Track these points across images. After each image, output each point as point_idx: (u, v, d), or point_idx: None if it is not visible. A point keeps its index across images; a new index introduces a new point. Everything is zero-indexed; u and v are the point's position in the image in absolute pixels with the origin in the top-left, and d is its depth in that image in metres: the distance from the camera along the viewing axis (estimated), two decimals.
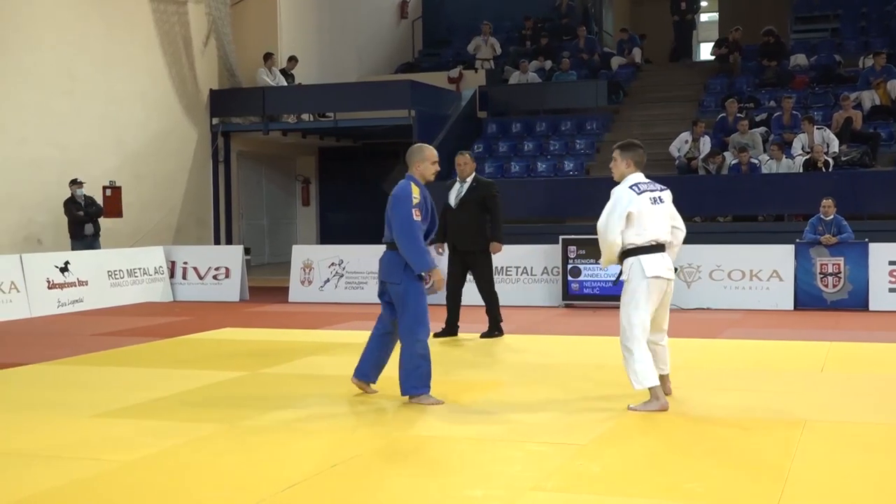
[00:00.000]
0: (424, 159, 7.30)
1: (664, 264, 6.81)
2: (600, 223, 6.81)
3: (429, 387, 7.07)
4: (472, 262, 10.51)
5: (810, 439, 6.01)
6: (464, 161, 10.40)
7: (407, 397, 7.10)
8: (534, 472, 5.36)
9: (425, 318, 7.13)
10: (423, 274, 7.10)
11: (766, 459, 5.57)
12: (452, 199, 10.45)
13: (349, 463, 5.58)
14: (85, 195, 15.84)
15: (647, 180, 6.93)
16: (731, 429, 6.32)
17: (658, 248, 6.79)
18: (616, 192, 6.84)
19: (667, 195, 6.94)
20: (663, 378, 6.96)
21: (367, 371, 7.46)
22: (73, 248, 15.46)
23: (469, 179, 10.43)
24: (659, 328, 6.96)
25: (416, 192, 7.10)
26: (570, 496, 4.94)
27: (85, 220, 15.76)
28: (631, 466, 5.45)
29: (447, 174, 12.31)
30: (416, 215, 7.04)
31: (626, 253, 6.76)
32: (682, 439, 6.07)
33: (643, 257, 6.73)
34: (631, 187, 6.79)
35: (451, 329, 10.51)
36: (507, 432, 6.15)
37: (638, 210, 6.72)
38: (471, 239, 10.43)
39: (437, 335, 10.04)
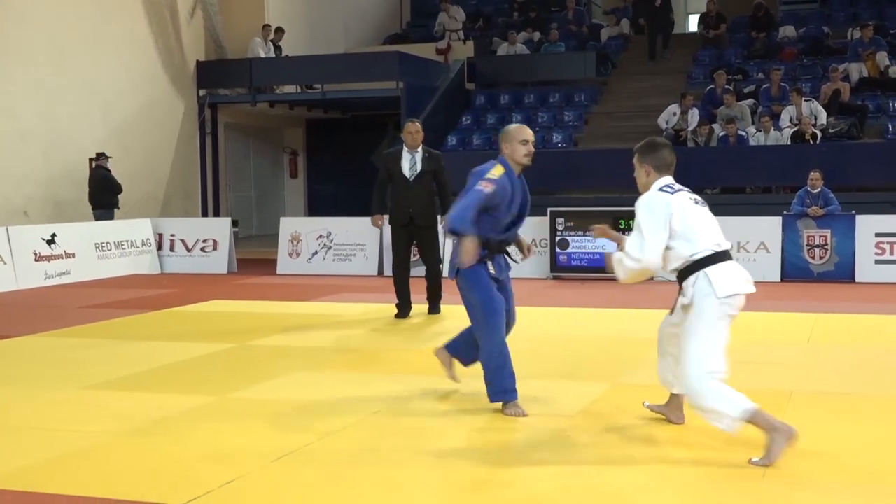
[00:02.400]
0: (511, 139, 6.07)
1: (740, 276, 5.19)
2: (632, 248, 5.16)
3: (510, 395, 6.00)
4: (425, 237, 10.02)
5: (796, 410, 6.04)
6: (416, 129, 9.81)
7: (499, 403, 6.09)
8: (522, 444, 5.39)
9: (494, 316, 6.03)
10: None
11: (753, 430, 5.60)
12: (406, 170, 9.81)
13: (339, 434, 5.60)
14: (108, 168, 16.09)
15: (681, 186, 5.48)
16: None
17: (724, 255, 5.20)
18: (641, 202, 5.29)
19: (706, 205, 5.48)
20: (677, 398, 5.61)
21: (458, 347, 6.46)
22: (96, 219, 15.69)
23: (420, 149, 9.88)
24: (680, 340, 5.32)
25: (497, 172, 5.96)
26: (559, 467, 4.96)
27: (118, 191, 16.02)
28: (619, 437, 5.48)
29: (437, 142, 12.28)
30: (486, 187, 5.89)
31: (688, 269, 5.17)
32: None
33: (710, 270, 5.12)
34: (662, 189, 5.34)
35: (408, 306, 10.10)
36: (496, 403, 6.15)
37: (681, 211, 5.21)
38: (428, 213, 9.92)
39: (398, 316, 10.00)
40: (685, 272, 5.18)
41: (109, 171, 16.15)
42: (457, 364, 6.49)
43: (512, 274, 6.30)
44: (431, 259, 10.08)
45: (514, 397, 5.92)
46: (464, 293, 6.04)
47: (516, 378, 5.96)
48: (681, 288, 5.23)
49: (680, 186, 5.39)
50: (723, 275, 5.10)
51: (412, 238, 10.06)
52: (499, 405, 5.97)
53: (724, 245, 5.23)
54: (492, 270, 6.00)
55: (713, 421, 5.07)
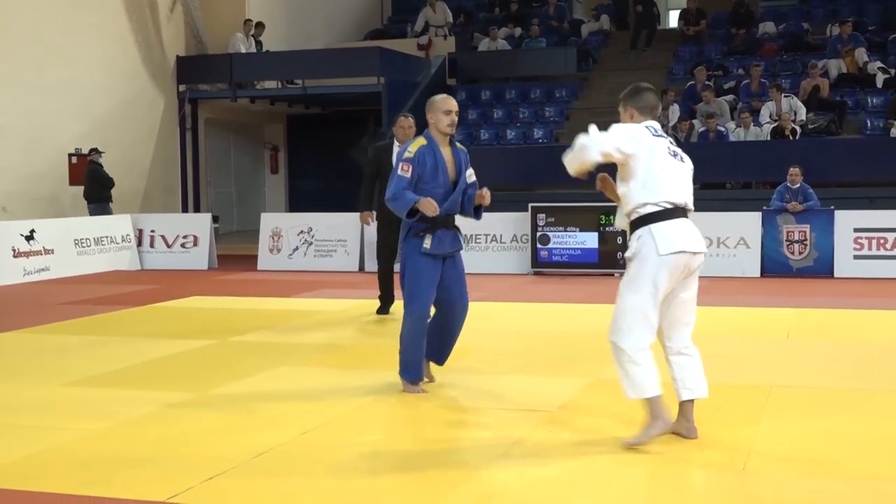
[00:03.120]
0: (436, 109, 6.24)
1: (687, 234, 5.11)
2: (583, 138, 5.08)
3: (410, 374, 6.34)
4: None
5: (776, 404, 6.08)
6: (409, 124, 9.33)
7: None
8: (503, 439, 5.40)
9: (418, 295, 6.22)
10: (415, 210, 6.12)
11: (733, 424, 5.64)
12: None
13: (320, 429, 5.59)
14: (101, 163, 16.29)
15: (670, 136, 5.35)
16: None
17: (678, 212, 5.10)
18: (622, 125, 5.24)
19: (687, 161, 5.35)
20: (685, 408, 5.29)
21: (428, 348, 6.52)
22: (91, 214, 15.80)
23: None
24: (676, 329, 5.28)
25: (412, 147, 6.19)
26: (540, 462, 4.98)
27: (110, 185, 16.18)
28: (599, 433, 5.49)
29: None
30: (403, 169, 6.13)
31: (636, 223, 5.11)
32: None
33: (656, 226, 5.04)
34: (647, 126, 5.21)
35: (390, 302, 9.92)
36: (476, 399, 6.18)
37: (651, 153, 5.08)
38: None
39: (379, 312, 9.89)
40: (634, 225, 5.12)
41: (101, 166, 16.24)
42: (433, 364, 6.61)
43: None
44: None
45: (412, 377, 6.28)
46: (401, 269, 6.29)
47: (500, 374, 6.00)
48: (629, 236, 5.21)
49: (663, 133, 5.27)
50: (668, 231, 5.02)
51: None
52: (484, 404, 5.98)
53: (682, 201, 5.12)
54: (426, 245, 6.14)
55: (621, 378, 5.14)
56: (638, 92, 5.36)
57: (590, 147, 5.02)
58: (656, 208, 5.04)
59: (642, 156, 5.06)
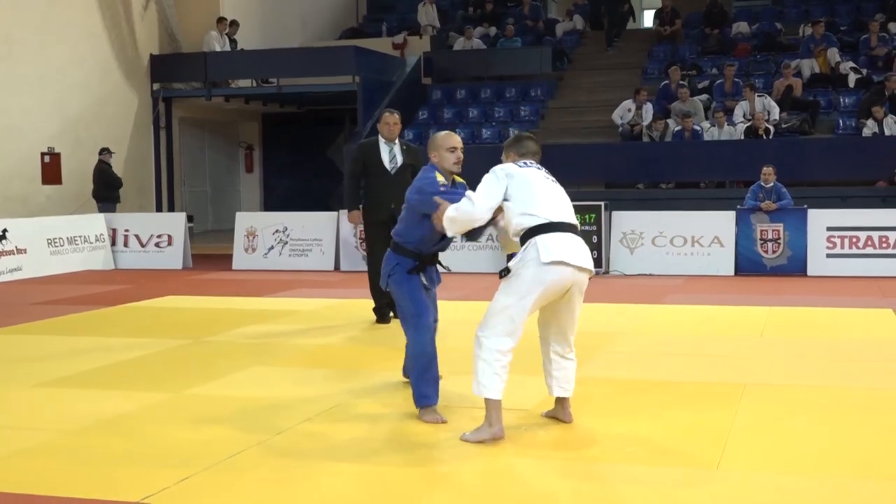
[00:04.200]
0: (438, 147, 5.94)
1: (572, 247, 5.16)
2: (465, 203, 5.29)
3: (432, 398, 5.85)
4: None
5: (750, 403, 6.11)
6: (394, 121, 9.08)
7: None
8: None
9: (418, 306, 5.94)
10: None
11: (707, 423, 5.67)
12: (386, 162, 9.09)
13: (295, 430, 5.58)
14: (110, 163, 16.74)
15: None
16: (672, 393, 6.41)
17: (563, 226, 5.19)
18: (489, 173, 5.35)
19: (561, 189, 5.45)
20: (562, 401, 5.57)
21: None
22: (99, 212, 16.03)
23: (398, 141, 9.19)
24: (563, 336, 5.44)
25: (441, 179, 5.84)
26: (517, 460, 4.98)
27: (118, 185, 16.73)
28: (575, 431, 5.51)
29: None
30: (441, 188, 5.78)
31: (523, 238, 5.21)
32: (625, 404, 6.15)
33: (541, 237, 5.12)
34: (517, 162, 5.45)
35: (387, 308, 9.34)
36: (453, 398, 6.17)
37: (524, 179, 5.26)
38: None
39: (379, 322, 9.36)
40: (522, 240, 5.21)
41: (110, 166, 16.60)
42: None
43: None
44: None
45: (431, 402, 5.78)
46: (394, 297, 6.00)
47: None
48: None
49: (536, 166, 5.44)
50: (551, 243, 5.11)
51: (390, 235, 9.31)
52: (458, 403, 5.97)
53: (567, 218, 5.25)
54: (423, 281, 5.95)
55: (475, 374, 5.22)
56: (519, 140, 5.63)
57: (475, 211, 5.24)
58: (540, 221, 5.17)
59: (515, 184, 5.25)
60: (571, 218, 5.29)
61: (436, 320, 6.21)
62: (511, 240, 5.37)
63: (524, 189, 5.23)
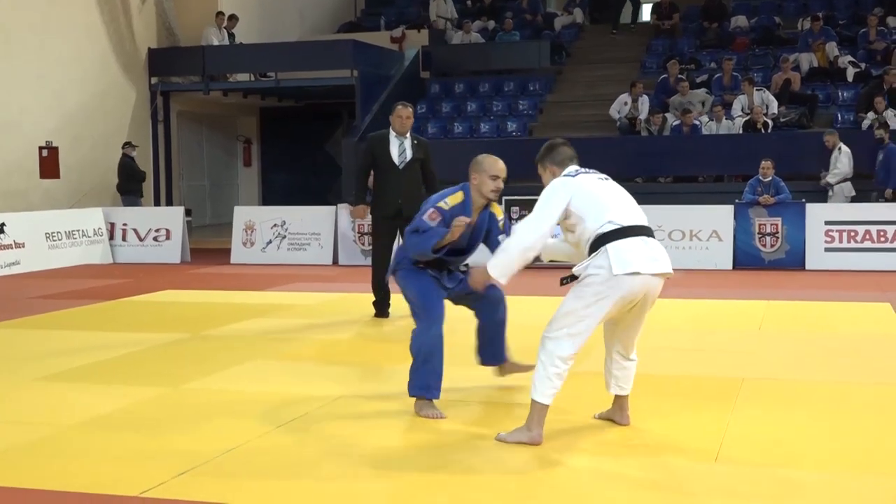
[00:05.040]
0: (482, 171, 5.75)
1: (646, 253, 4.89)
2: (521, 233, 5.03)
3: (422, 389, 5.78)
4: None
5: (748, 396, 6.12)
6: (407, 114, 8.89)
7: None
8: (472, 433, 5.40)
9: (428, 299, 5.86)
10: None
11: (705, 416, 5.67)
12: (395, 156, 8.91)
13: (293, 424, 5.58)
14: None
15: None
16: (669, 387, 6.41)
17: (637, 230, 4.92)
18: (544, 192, 5.09)
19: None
20: (619, 401, 5.39)
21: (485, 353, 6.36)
22: (124, 205, 16.40)
23: (409, 135, 9.00)
24: (629, 339, 5.26)
25: (450, 200, 5.76)
26: (509, 454, 4.99)
27: (142, 178, 17.15)
28: (570, 425, 5.51)
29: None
30: (431, 217, 5.71)
31: (593, 246, 4.91)
32: None
33: (612, 246, 4.84)
34: (564, 176, 5.13)
35: (387, 303, 9.33)
36: (444, 391, 6.17)
37: (580, 189, 4.97)
38: (417, 203, 8.62)
39: (378, 316, 9.28)
40: (592, 248, 4.91)
41: (133, 160, 16.83)
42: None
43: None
44: None
45: (431, 395, 5.70)
46: (401, 291, 5.95)
47: (469, 367, 5.95)
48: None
49: (585, 170, 5.15)
50: (626, 250, 4.83)
51: (394, 231, 8.95)
52: (452, 397, 5.97)
53: (638, 220, 4.95)
54: (441, 279, 5.88)
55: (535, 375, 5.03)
56: (552, 149, 5.30)
57: (532, 240, 4.97)
58: (612, 227, 4.88)
59: (577, 197, 4.96)
60: (641, 219, 5.00)
61: (498, 318, 6.10)
62: (552, 248, 5.23)
63: (587, 196, 4.95)
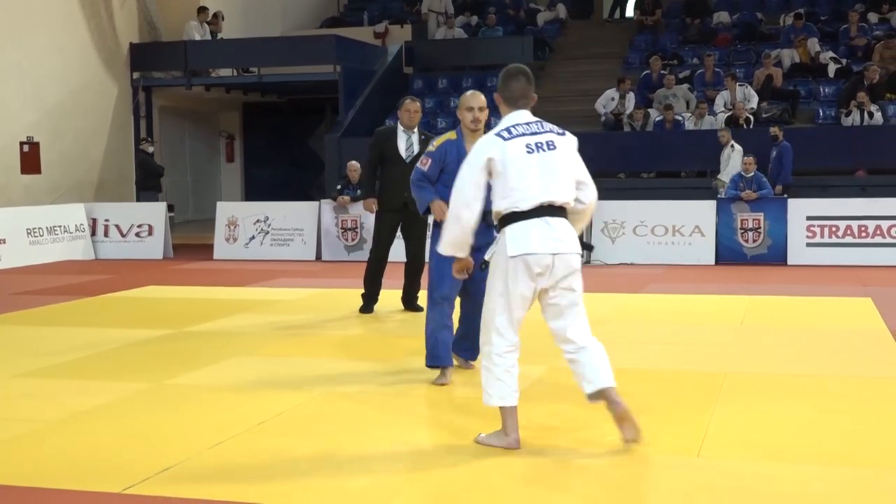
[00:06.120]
0: (461, 106, 6.31)
1: (542, 234, 4.78)
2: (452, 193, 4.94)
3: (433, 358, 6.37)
4: (415, 224, 8.94)
5: (730, 391, 6.15)
6: (415, 108, 8.82)
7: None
8: (461, 425, 5.41)
9: (439, 283, 6.25)
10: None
11: (688, 410, 5.70)
12: (402, 150, 8.89)
13: (277, 419, 5.57)
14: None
15: (533, 121, 4.97)
16: (653, 381, 6.43)
17: (537, 212, 4.80)
18: (471, 150, 5.00)
19: (564, 141, 4.94)
20: (606, 392, 4.93)
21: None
22: (139, 200, 16.66)
23: (417, 130, 8.96)
24: (563, 331, 4.95)
25: (437, 142, 6.41)
26: (496, 450, 4.99)
27: (160, 173, 17.02)
28: (556, 420, 5.52)
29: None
30: (423, 162, 6.37)
31: (498, 228, 4.93)
32: None
33: (509, 228, 4.81)
34: (497, 134, 4.89)
35: (375, 300, 9.45)
36: (431, 389, 6.18)
37: (501, 161, 4.80)
38: None
39: (363, 311, 9.33)
40: (498, 229, 4.91)
41: (151, 156, 16.89)
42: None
43: None
44: (418, 249, 9.03)
45: (442, 363, 6.20)
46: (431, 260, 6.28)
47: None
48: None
49: (525, 129, 4.88)
50: (520, 233, 4.77)
51: (396, 226, 9.09)
52: (439, 393, 5.98)
53: (542, 199, 4.78)
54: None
55: (483, 383, 4.95)
56: (507, 79, 5.05)
57: (460, 217, 4.88)
58: (514, 209, 4.80)
59: (495, 167, 4.82)
60: (556, 197, 4.81)
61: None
62: (457, 241, 4.99)
63: (503, 174, 4.81)
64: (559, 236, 4.80)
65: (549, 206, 4.81)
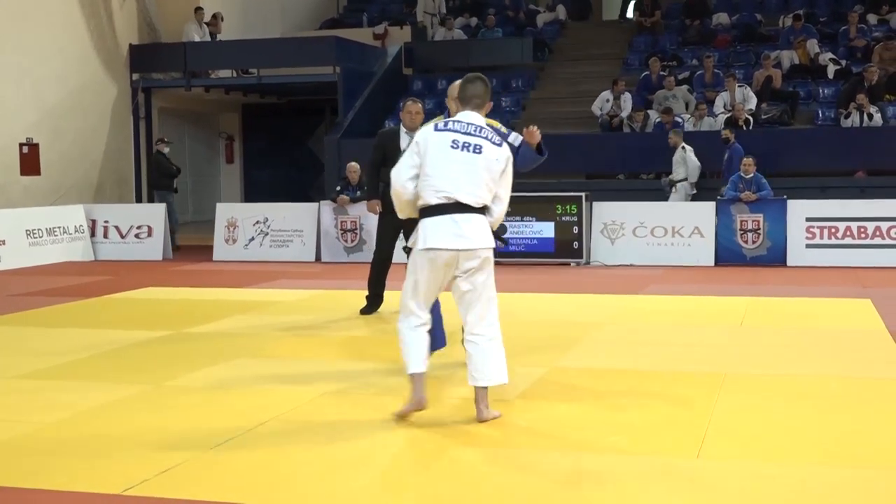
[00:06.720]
0: (448, 98, 6.30)
1: (447, 231, 5.20)
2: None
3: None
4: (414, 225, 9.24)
5: (730, 391, 6.15)
6: (416, 110, 8.77)
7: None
8: (460, 427, 5.41)
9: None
10: None
11: (688, 411, 5.69)
12: None
13: (277, 421, 5.57)
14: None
15: (475, 123, 5.35)
16: (653, 382, 6.43)
17: (446, 208, 5.22)
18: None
19: (494, 150, 5.29)
20: (477, 392, 5.38)
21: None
22: (157, 200, 16.60)
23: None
24: (464, 322, 5.42)
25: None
26: (497, 451, 4.99)
27: (175, 173, 17.00)
28: (557, 421, 5.52)
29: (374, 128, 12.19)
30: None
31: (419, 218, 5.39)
32: (606, 393, 6.16)
33: (422, 222, 5.30)
34: (435, 123, 5.46)
35: (379, 301, 9.41)
36: (434, 388, 6.17)
37: (424, 145, 5.29)
38: None
39: (364, 312, 9.31)
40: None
41: (165, 156, 16.90)
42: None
43: None
44: None
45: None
46: None
47: (457, 365, 6.04)
48: None
49: (460, 126, 5.32)
50: (428, 228, 5.24)
51: (402, 226, 8.79)
52: (441, 393, 5.98)
53: (453, 195, 5.20)
54: None
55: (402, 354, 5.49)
56: (465, 83, 5.53)
57: (399, 193, 5.42)
58: (428, 203, 5.26)
59: (423, 156, 5.29)
60: (465, 195, 5.21)
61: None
62: (404, 209, 5.51)
63: (425, 162, 5.27)
64: (464, 233, 5.20)
65: (456, 204, 5.21)
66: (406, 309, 5.42)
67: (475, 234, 5.23)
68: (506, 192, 5.41)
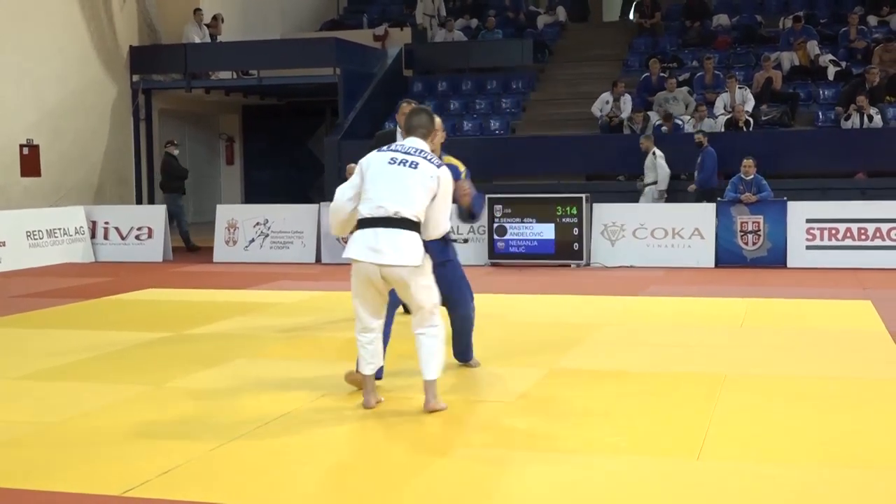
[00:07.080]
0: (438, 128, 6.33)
1: (366, 244, 5.43)
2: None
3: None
4: None
5: (730, 393, 6.15)
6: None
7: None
8: (460, 429, 5.41)
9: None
10: None
11: (688, 412, 5.70)
12: None
13: (278, 421, 5.57)
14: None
15: (417, 148, 5.61)
16: (653, 383, 6.43)
17: (376, 222, 5.43)
18: None
19: (431, 169, 5.49)
20: (426, 384, 5.68)
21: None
22: (167, 203, 16.40)
23: None
24: (413, 320, 5.72)
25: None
26: (497, 452, 5.00)
27: (184, 176, 16.97)
28: (556, 422, 5.52)
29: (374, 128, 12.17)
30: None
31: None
32: (606, 394, 6.17)
33: (354, 233, 5.56)
34: (380, 147, 5.76)
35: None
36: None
37: (367, 166, 5.57)
38: None
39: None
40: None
41: (175, 158, 16.90)
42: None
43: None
44: None
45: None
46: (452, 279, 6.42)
47: (457, 366, 6.25)
48: None
49: (401, 148, 5.60)
50: (355, 239, 5.49)
51: None
52: (441, 395, 5.98)
53: (384, 209, 5.40)
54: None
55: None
56: (411, 114, 5.88)
57: (336, 206, 5.69)
58: (360, 216, 5.51)
59: (365, 174, 5.57)
60: (395, 209, 5.39)
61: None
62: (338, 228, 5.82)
63: (364, 179, 5.53)
64: (381, 248, 5.40)
65: (386, 219, 5.41)
66: (355, 314, 5.71)
67: (392, 251, 5.39)
68: (439, 217, 5.56)
